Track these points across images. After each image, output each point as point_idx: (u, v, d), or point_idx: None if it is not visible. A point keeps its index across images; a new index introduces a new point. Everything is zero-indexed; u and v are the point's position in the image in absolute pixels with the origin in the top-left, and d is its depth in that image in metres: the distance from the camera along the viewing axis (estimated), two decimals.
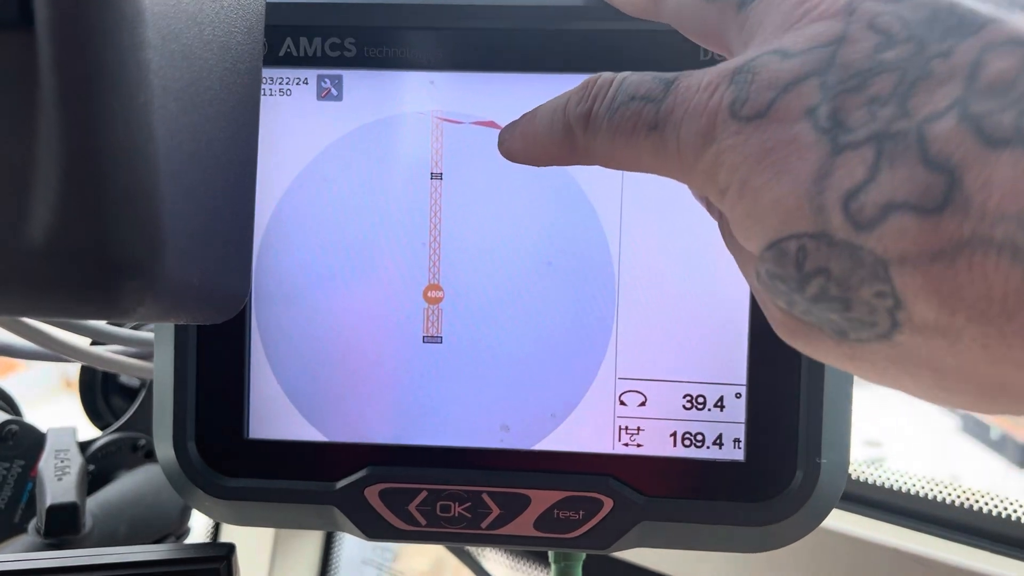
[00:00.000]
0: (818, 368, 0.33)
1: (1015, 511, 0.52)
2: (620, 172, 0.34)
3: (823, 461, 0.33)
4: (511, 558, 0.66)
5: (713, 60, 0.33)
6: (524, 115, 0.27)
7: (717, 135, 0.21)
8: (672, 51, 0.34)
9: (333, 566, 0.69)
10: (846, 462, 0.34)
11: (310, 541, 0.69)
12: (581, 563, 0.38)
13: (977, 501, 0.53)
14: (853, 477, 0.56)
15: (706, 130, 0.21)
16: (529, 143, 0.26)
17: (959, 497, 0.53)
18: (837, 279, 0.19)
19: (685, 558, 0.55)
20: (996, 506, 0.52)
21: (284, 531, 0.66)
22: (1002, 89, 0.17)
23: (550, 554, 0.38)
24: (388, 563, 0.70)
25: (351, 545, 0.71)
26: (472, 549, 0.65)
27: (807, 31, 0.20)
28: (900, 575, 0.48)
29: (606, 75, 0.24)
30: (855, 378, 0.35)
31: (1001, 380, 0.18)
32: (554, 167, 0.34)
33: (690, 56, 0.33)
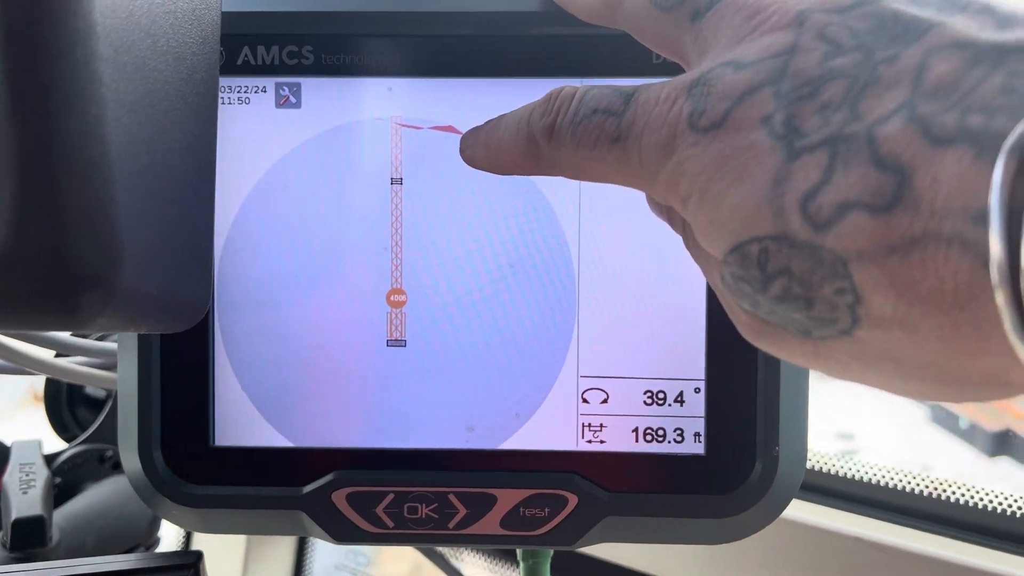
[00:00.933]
0: (774, 361, 0.34)
1: (981, 499, 0.53)
2: None
3: (780, 451, 0.34)
4: (489, 560, 0.67)
5: (665, 64, 0.34)
6: (487, 123, 0.28)
7: (677, 146, 0.21)
8: (626, 56, 0.34)
9: (306, 572, 0.69)
10: (804, 453, 0.35)
11: (283, 547, 0.69)
12: (549, 560, 0.39)
13: (945, 491, 0.54)
14: (826, 470, 0.57)
15: (666, 142, 0.22)
16: (492, 152, 0.27)
17: (928, 487, 0.54)
18: (799, 278, 0.19)
19: (653, 552, 0.55)
20: (964, 495, 0.54)
21: (256, 538, 0.66)
22: (946, 90, 0.18)
23: (518, 552, 0.39)
24: (362, 568, 0.70)
25: (324, 551, 0.71)
26: (448, 552, 0.65)
27: (759, 43, 0.21)
28: (860, 562, 0.49)
29: (568, 88, 0.25)
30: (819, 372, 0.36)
31: (960, 369, 0.19)
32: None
33: (643, 60, 0.34)
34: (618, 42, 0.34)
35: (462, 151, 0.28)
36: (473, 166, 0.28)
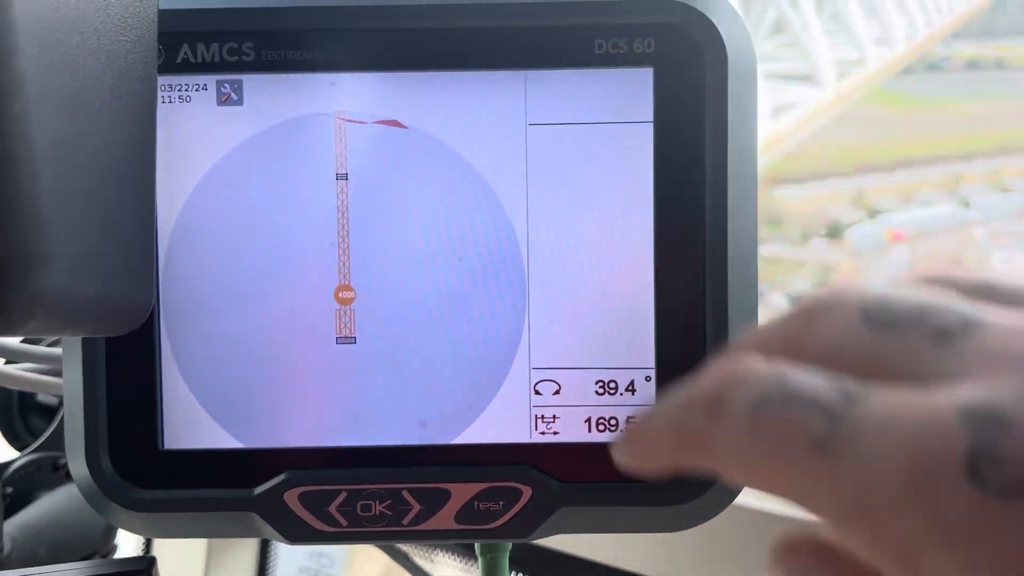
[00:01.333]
0: (721, 349, 0.34)
1: None
2: (524, 163, 0.35)
3: None
4: (462, 560, 0.66)
5: (608, 54, 0.34)
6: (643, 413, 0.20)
7: (936, 496, 0.14)
8: (568, 47, 0.34)
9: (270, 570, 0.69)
10: None
11: (245, 552, 0.69)
12: (507, 554, 0.39)
13: None
14: None
15: (914, 483, 0.14)
16: (639, 442, 0.19)
17: None
18: None
19: (622, 545, 0.56)
20: None
21: (217, 543, 0.66)
22: None
23: (476, 547, 0.39)
24: (326, 569, 0.69)
25: (287, 554, 0.70)
26: (420, 554, 0.65)
27: None
28: None
29: (754, 361, 0.17)
30: None
31: None
32: (454, 158, 0.35)
33: (586, 51, 0.34)
34: (560, 33, 0.34)
35: (613, 453, 0.20)
36: (622, 465, 0.20)
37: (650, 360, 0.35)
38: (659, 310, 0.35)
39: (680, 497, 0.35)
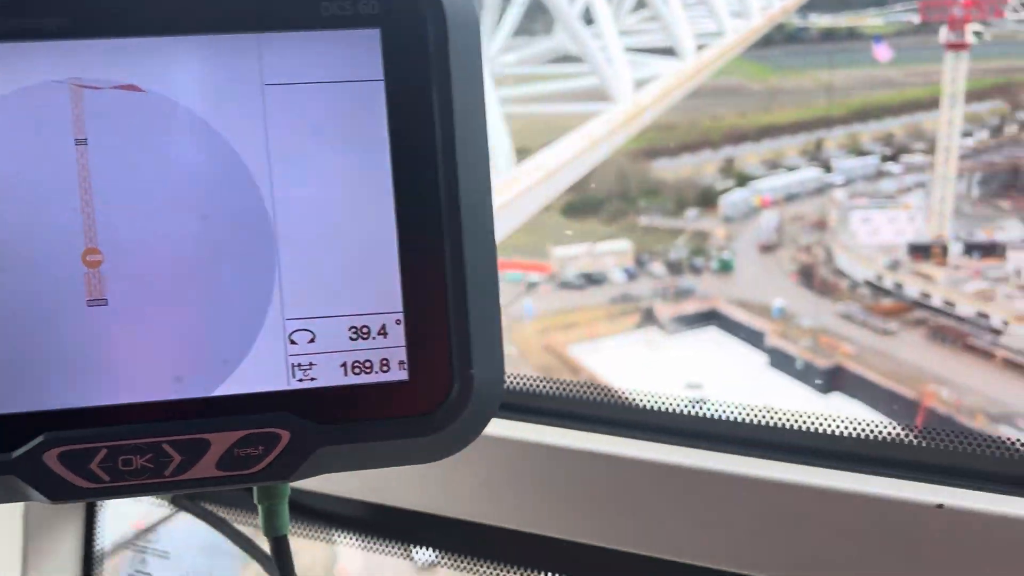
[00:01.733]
0: (461, 290, 0.37)
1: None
2: (263, 122, 0.36)
3: (475, 372, 0.37)
4: (366, 548, 0.65)
5: (334, 16, 0.36)
6: None
7: None
8: (295, 8, 0.36)
9: (97, 555, 0.68)
10: (500, 373, 0.38)
11: (67, 533, 0.68)
12: (285, 501, 0.41)
13: (769, 417, 0.58)
14: (673, 411, 0.60)
15: None
16: None
17: (760, 417, 0.58)
18: None
19: (439, 487, 0.58)
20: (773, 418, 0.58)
21: (36, 522, 0.65)
22: None
23: (254, 493, 0.40)
24: (152, 545, 0.70)
25: (114, 532, 0.70)
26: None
27: None
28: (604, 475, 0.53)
29: None
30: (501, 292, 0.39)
31: None
32: (194, 120, 0.36)
33: (311, 12, 0.36)
34: None
35: None
36: None
37: (398, 304, 0.38)
38: (403, 257, 0.37)
39: (430, 427, 0.37)
